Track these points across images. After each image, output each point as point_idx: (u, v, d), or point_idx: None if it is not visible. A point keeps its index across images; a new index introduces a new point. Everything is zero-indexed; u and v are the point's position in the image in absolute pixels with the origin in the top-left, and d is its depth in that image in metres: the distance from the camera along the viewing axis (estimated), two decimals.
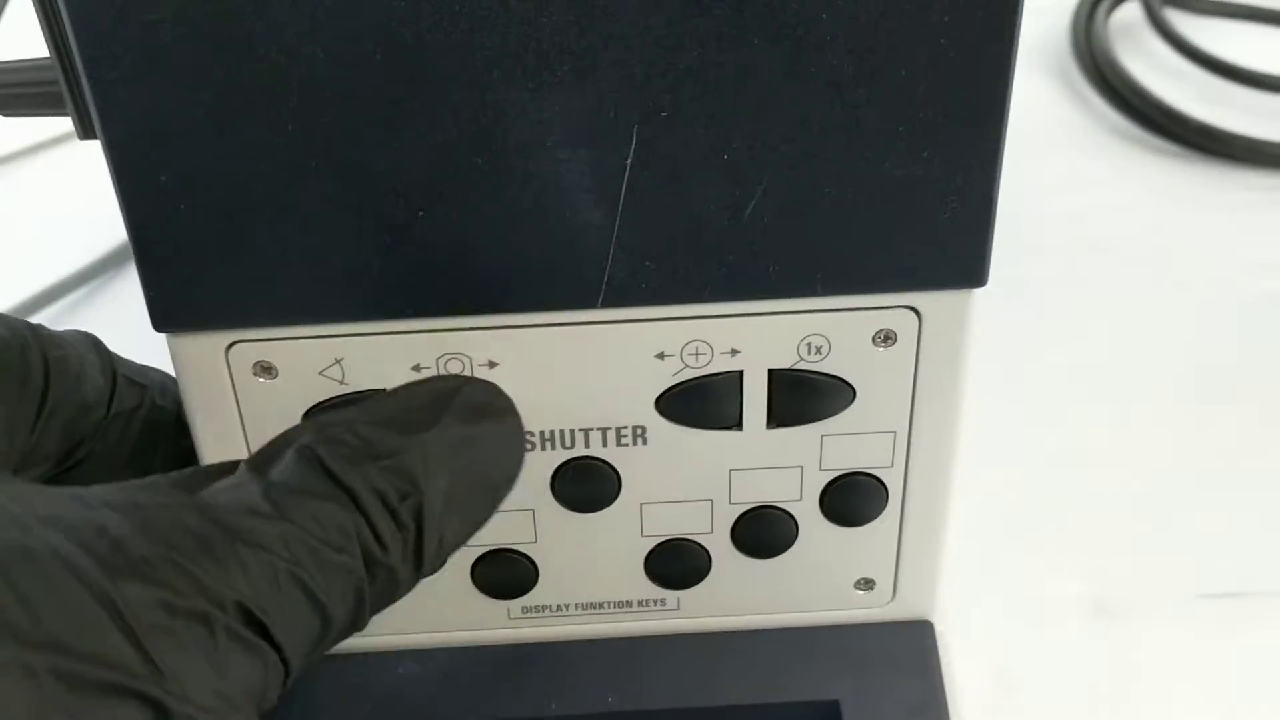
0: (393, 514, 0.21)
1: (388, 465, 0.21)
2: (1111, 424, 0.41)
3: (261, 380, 0.25)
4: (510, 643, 0.29)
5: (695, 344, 0.25)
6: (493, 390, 0.24)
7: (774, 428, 0.26)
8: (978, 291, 0.25)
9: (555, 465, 0.27)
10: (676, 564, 0.28)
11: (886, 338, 0.25)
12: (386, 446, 0.21)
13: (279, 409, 0.25)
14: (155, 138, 0.22)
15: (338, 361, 0.25)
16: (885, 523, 0.28)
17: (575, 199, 0.23)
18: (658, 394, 0.26)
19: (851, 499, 0.27)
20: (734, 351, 0.25)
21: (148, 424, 0.27)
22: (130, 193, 0.23)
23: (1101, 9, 0.60)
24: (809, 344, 0.25)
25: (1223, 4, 0.62)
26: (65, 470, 0.26)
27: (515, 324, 0.25)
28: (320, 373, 0.25)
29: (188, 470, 0.21)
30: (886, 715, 0.28)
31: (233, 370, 0.25)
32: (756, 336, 0.25)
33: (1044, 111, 0.57)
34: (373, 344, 0.25)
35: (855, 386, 0.26)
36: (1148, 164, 0.54)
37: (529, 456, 0.26)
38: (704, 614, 0.29)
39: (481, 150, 0.22)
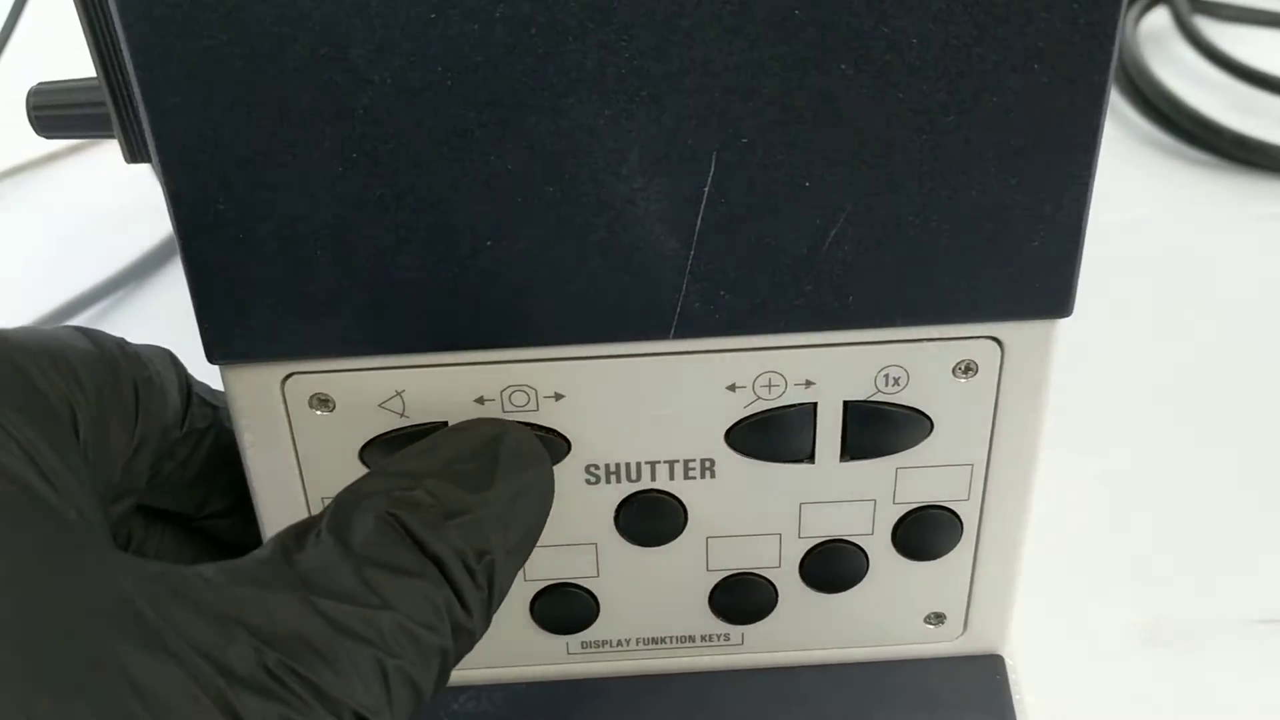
0: (472, 576, 0.21)
1: (462, 525, 0.21)
2: (1154, 442, 0.40)
3: (318, 413, 0.24)
4: (569, 678, 0.28)
5: (768, 375, 0.24)
6: (530, 437, 0.23)
7: (847, 460, 0.25)
8: (1061, 321, 0.24)
9: (620, 499, 0.26)
10: (742, 598, 0.27)
11: (967, 369, 0.24)
12: (458, 504, 0.21)
13: (336, 442, 0.25)
14: (213, 165, 0.21)
15: (398, 394, 0.24)
16: (958, 556, 0.27)
17: (650, 228, 0.22)
18: (728, 426, 0.25)
19: (925, 533, 0.26)
20: (808, 383, 0.24)
21: (215, 447, 0.26)
22: (186, 221, 0.22)
23: (1129, 16, 0.59)
24: (887, 375, 0.24)
25: (1252, 10, 0.61)
26: None
27: (583, 355, 0.24)
28: (380, 405, 0.24)
29: (287, 534, 0.20)
30: None
31: (288, 403, 0.24)
32: (832, 368, 0.24)
33: None
34: (435, 375, 0.24)
35: (933, 418, 0.25)
36: (1181, 174, 0.54)
37: (593, 490, 0.26)
38: (768, 649, 0.28)
39: (554, 178, 0.21)
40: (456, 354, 0.24)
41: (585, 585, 0.27)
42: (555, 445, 0.25)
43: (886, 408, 0.25)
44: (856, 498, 0.26)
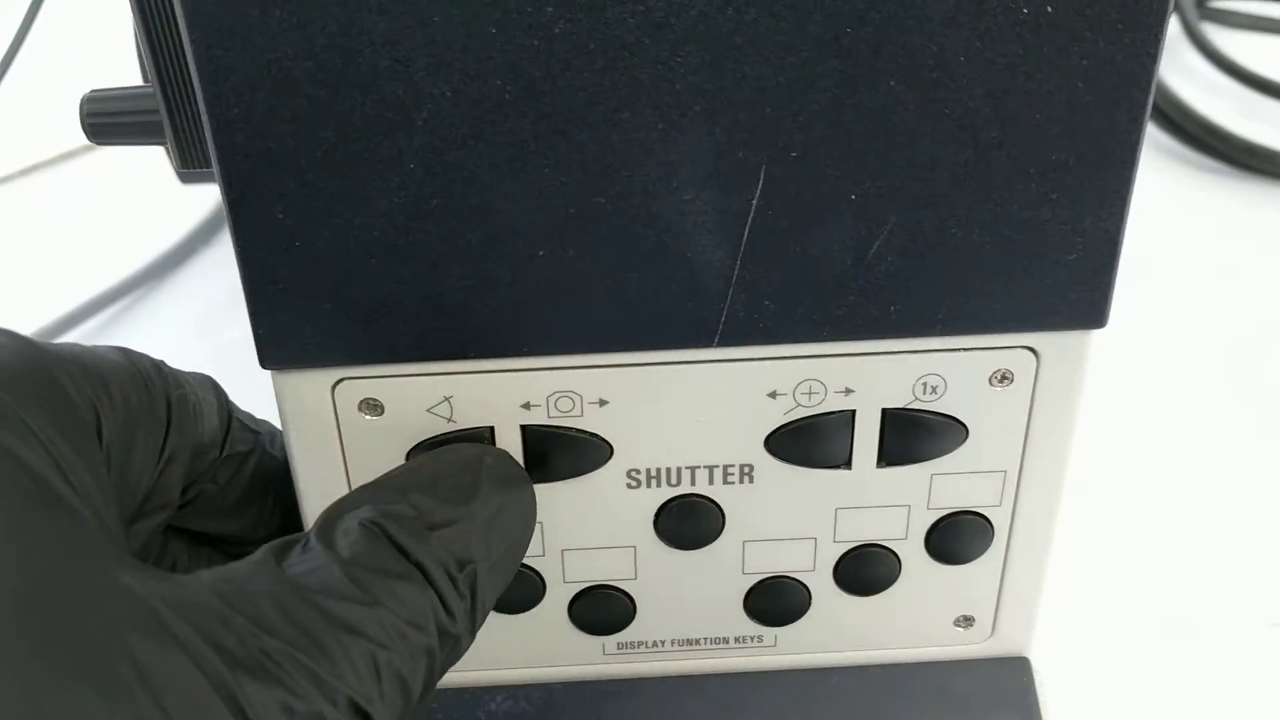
0: (454, 584, 0.21)
1: (446, 536, 0.21)
2: (1169, 446, 0.41)
3: (368, 418, 0.25)
4: (604, 678, 0.29)
5: (809, 383, 0.25)
6: (511, 460, 0.24)
7: (883, 466, 0.26)
8: (1096, 332, 0.24)
9: (660, 503, 0.26)
10: (776, 601, 0.28)
11: (1003, 377, 0.25)
12: (441, 516, 0.22)
13: (384, 447, 0.25)
14: (274, 175, 0.21)
15: (447, 399, 0.24)
16: (989, 560, 0.27)
17: (697, 239, 0.23)
18: (768, 432, 0.25)
19: (957, 538, 0.27)
20: (848, 391, 0.25)
21: (258, 471, 0.26)
22: (245, 228, 0.22)
23: None
24: (925, 383, 0.25)
25: (1260, 18, 0.62)
26: (177, 510, 0.25)
27: (628, 362, 0.24)
28: (429, 410, 0.25)
29: (276, 545, 0.21)
30: None
31: (338, 408, 0.25)
32: (872, 376, 0.25)
33: None
34: (483, 381, 0.24)
35: (969, 426, 0.25)
36: (1190, 181, 0.54)
37: (633, 494, 0.26)
38: (800, 650, 0.29)
39: (606, 190, 0.22)
40: (504, 360, 0.24)
41: (623, 587, 0.27)
42: (598, 450, 0.25)
43: (924, 415, 0.25)
44: (891, 503, 0.26)
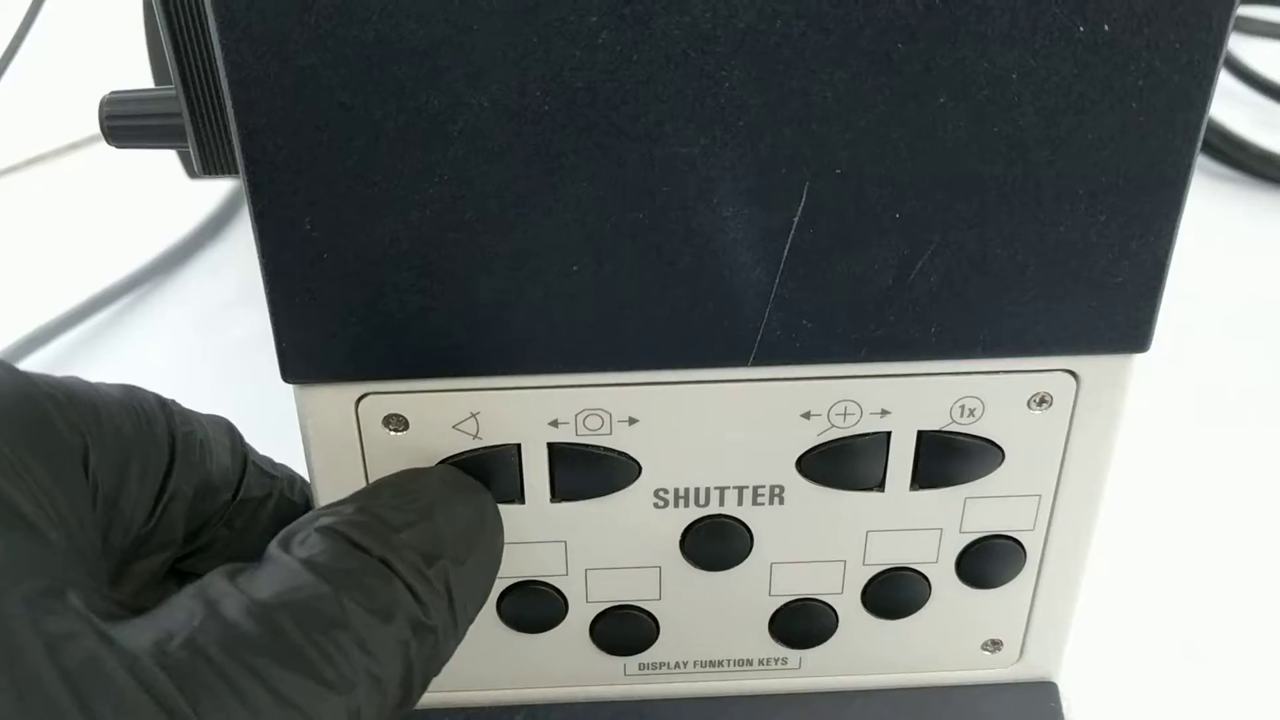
0: (425, 579, 0.21)
1: (409, 535, 0.21)
2: (1190, 460, 0.40)
3: (392, 434, 0.24)
4: (625, 699, 0.28)
5: (844, 404, 0.24)
6: (460, 471, 0.24)
7: (917, 490, 0.25)
8: (1138, 356, 0.24)
9: (687, 523, 0.26)
10: (802, 624, 0.27)
11: (1042, 401, 0.24)
12: (402, 520, 0.21)
13: (408, 463, 0.24)
14: (303, 185, 0.21)
15: (473, 415, 0.24)
16: (1020, 585, 0.27)
17: (736, 256, 0.22)
18: (800, 453, 0.25)
19: (989, 562, 0.26)
20: (884, 412, 0.24)
21: (276, 517, 0.26)
22: (271, 239, 0.21)
23: None
24: (962, 406, 0.24)
25: (1275, 25, 0.61)
26: (189, 554, 0.25)
27: (659, 380, 0.24)
28: (454, 427, 0.24)
29: (225, 567, 0.20)
30: None
31: (361, 423, 0.24)
32: (909, 397, 0.24)
33: None
34: (510, 398, 0.24)
35: (1005, 449, 0.25)
36: (1207, 190, 0.54)
37: (660, 514, 0.25)
38: (826, 673, 0.28)
39: (644, 205, 0.21)
40: (532, 376, 0.23)
41: (647, 608, 0.27)
42: (626, 469, 0.25)
43: (960, 438, 0.25)
44: (923, 526, 0.26)
